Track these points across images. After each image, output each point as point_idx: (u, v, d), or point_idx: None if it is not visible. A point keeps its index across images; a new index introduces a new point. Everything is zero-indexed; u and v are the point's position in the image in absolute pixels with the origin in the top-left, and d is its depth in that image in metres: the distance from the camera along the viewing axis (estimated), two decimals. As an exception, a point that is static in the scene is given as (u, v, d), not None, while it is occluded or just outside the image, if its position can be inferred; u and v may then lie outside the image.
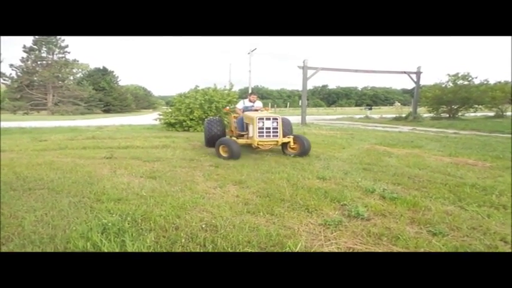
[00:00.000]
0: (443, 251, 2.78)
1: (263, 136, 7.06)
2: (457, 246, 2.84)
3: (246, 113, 8.27)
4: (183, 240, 2.96)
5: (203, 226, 3.29)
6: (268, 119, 7.06)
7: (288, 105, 66.67)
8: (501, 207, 3.84)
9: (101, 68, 60.60)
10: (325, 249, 2.81)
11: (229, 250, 2.78)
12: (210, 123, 8.97)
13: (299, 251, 2.74)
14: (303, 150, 7.35)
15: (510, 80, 25.09)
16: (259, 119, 7.01)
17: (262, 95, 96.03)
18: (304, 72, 13.08)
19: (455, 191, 4.48)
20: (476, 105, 23.65)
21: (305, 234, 3.13)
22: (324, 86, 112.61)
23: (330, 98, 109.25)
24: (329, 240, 3.02)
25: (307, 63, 13.16)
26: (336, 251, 2.80)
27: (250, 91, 47.24)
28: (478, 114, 24.62)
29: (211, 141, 8.37)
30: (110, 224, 3.20)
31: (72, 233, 3.07)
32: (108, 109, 55.89)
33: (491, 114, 24.30)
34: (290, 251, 2.76)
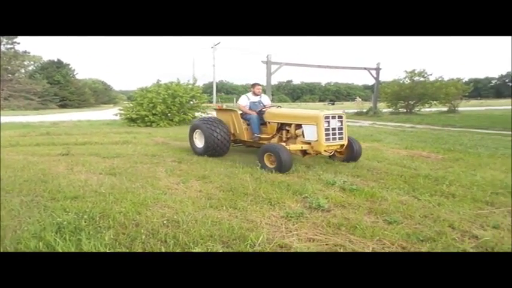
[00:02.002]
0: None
1: (330, 139, 5.51)
2: (410, 233, 2.99)
3: (292, 110, 6.82)
4: (143, 237, 2.89)
5: (164, 222, 3.23)
6: (333, 117, 5.58)
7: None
8: (450, 196, 4.08)
9: (56, 60, 57.57)
10: (286, 241, 2.86)
11: (191, 245, 2.75)
12: (209, 124, 6.77)
13: (298, 251, 2.72)
14: (352, 155, 6.04)
15: (463, 77, 26.66)
16: (326, 117, 5.49)
17: (227, 89, 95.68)
18: (268, 67, 13.17)
19: (410, 182, 4.71)
20: (432, 101, 24.92)
21: (267, 227, 3.17)
22: (289, 82, 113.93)
23: (294, 93, 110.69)
24: (290, 231, 3.08)
25: (271, 58, 13.25)
26: (297, 241, 2.86)
27: (214, 86, 46.88)
28: (433, 109, 25.95)
29: (212, 149, 6.62)
30: (65, 222, 3.07)
31: (23, 233, 2.91)
32: (64, 104, 53.30)
33: (445, 109, 25.71)
34: (253, 244, 2.79)
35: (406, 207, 3.66)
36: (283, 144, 5.71)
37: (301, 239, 2.93)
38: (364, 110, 24.71)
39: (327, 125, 5.46)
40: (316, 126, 5.47)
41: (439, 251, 2.69)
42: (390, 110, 25.68)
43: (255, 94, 7.18)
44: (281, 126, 6.40)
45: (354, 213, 3.51)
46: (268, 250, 2.72)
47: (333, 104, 36.53)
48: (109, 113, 22.13)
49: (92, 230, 3.02)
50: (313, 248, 2.76)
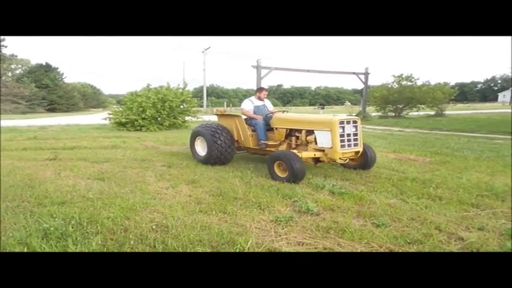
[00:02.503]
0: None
1: (345, 146, 5.16)
2: (397, 236, 3.03)
3: (303, 115, 6.41)
4: (131, 242, 2.88)
5: (153, 227, 3.22)
6: (348, 122, 5.24)
7: (244, 104, 66.71)
8: (437, 199, 4.14)
9: (44, 64, 56.84)
10: (275, 245, 2.87)
11: (180, 250, 2.74)
12: (212, 130, 6.36)
13: (296, 251, 2.75)
14: (366, 162, 5.73)
15: (450, 81, 27.12)
16: (341, 122, 5.15)
17: (218, 94, 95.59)
18: (258, 72, 13.22)
19: (398, 185, 4.77)
20: (419, 105, 25.28)
21: (256, 231, 3.18)
22: (279, 86, 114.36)
23: (284, 97, 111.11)
24: (279, 236, 3.09)
25: (261, 63, 13.31)
26: (286, 245, 2.87)
27: (204, 90, 46.70)
28: (421, 113, 26.32)
29: (216, 157, 6.22)
30: (52, 228, 3.04)
31: (8, 240, 2.87)
32: (53, 108, 52.64)
33: (432, 113, 26.10)
34: (242, 249, 2.79)
35: (394, 210, 3.70)
36: (295, 151, 5.28)
37: (291, 243, 2.94)
38: (354, 114, 24.95)
39: (341, 130, 5.12)
40: (331, 132, 5.11)
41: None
42: (379, 113, 25.97)
43: (259, 99, 6.85)
44: (290, 132, 6.03)
45: (342, 217, 3.54)
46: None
47: (323, 108, 36.63)
48: (98, 117, 21.92)
49: (79, 235, 2.99)
50: (302, 251, 2.77)
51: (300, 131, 5.79)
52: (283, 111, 6.77)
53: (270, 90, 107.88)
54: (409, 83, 24.75)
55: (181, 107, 16.40)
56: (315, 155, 5.35)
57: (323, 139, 5.27)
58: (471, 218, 3.51)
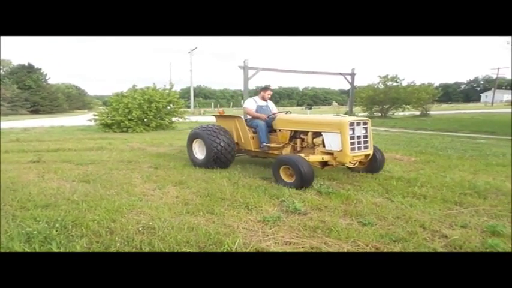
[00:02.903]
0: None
1: (355, 149, 4.90)
2: (383, 234, 3.07)
3: (310, 116, 6.21)
4: (118, 245, 2.84)
5: (140, 229, 3.18)
6: (358, 123, 4.96)
7: (232, 104, 66.74)
8: (422, 197, 4.21)
9: (26, 65, 55.62)
10: (263, 245, 2.87)
11: (167, 251, 2.72)
12: (210, 132, 6.06)
13: (284, 251, 2.74)
14: (375, 166, 5.49)
15: (434, 82, 27.66)
16: (351, 124, 4.87)
17: (205, 94, 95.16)
18: (245, 72, 13.17)
19: (384, 184, 4.83)
20: (405, 105, 25.69)
21: (244, 231, 3.18)
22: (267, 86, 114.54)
23: (272, 98, 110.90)
24: (267, 235, 3.10)
25: (248, 64, 13.29)
26: (273, 245, 2.88)
27: (191, 91, 46.35)
28: (407, 113, 26.74)
29: (215, 160, 5.93)
30: (35, 232, 2.97)
31: (-11, 244, 2.80)
32: (36, 110, 51.52)
33: (418, 113, 26.54)
34: (230, 249, 2.78)
35: (380, 209, 3.75)
36: (302, 155, 4.99)
37: (278, 243, 2.95)
38: (341, 115, 25.15)
39: (351, 132, 4.84)
40: (340, 134, 4.82)
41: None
42: (365, 114, 26.26)
43: (263, 99, 6.57)
44: (294, 135, 5.72)
45: (329, 216, 3.57)
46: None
47: (310, 109, 36.95)
48: (83, 119, 21.58)
49: (63, 239, 2.94)
50: (289, 251, 2.78)
51: (305, 133, 5.51)
52: (286, 112, 6.55)
53: (258, 90, 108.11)
54: (395, 84, 25.15)
55: (168, 107, 16.29)
56: (322, 158, 5.04)
57: (332, 141, 4.98)
58: (454, 215, 3.58)
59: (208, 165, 5.96)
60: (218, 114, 6.88)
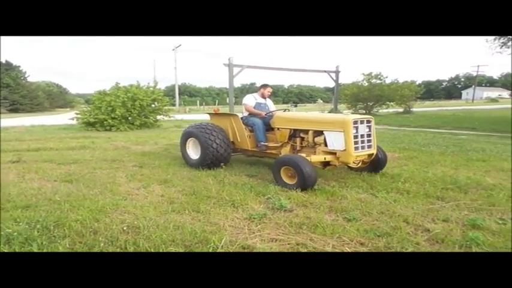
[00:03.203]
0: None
1: (358, 148, 4.72)
2: (368, 229, 3.11)
3: (310, 114, 5.95)
4: (101, 245, 2.80)
5: (124, 228, 3.14)
6: (362, 122, 4.78)
7: (217, 102, 66.46)
8: (405, 193, 4.28)
9: (4, 62, 54.06)
10: (249, 242, 2.87)
11: (152, 250, 2.70)
12: (205, 131, 5.82)
13: (294, 251, 2.73)
14: (377, 164, 5.33)
15: (416, 79, 28.17)
16: (355, 122, 4.69)
17: (190, 92, 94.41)
18: (230, 70, 13.12)
19: (368, 180, 4.89)
20: (388, 102, 26.07)
21: (230, 229, 3.17)
22: (252, 84, 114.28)
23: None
24: (253, 233, 3.10)
25: (233, 61, 13.23)
26: (259, 242, 2.88)
27: (176, 88, 45.92)
28: (390, 110, 27.13)
29: (211, 160, 5.70)
30: (15, 233, 2.90)
31: (-33, 247, 2.72)
32: (15, 108, 50.22)
33: (401, 110, 26.97)
34: (216, 247, 2.77)
35: (365, 205, 3.80)
36: (303, 155, 4.80)
37: (264, 240, 2.95)
38: (326, 112, 25.38)
39: (355, 131, 4.66)
40: (344, 133, 4.64)
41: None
42: (350, 111, 26.53)
43: (262, 96, 6.38)
44: (294, 133, 5.52)
45: (315, 212, 3.59)
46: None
47: (296, 106, 37.17)
48: (65, 117, 21.13)
49: (45, 240, 2.88)
50: (275, 247, 2.79)
51: (306, 131, 5.30)
52: (285, 110, 6.40)
53: (243, 88, 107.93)
54: (378, 81, 25.47)
55: (153, 106, 16.10)
56: (325, 158, 4.84)
57: (334, 141, 4.78)
58: (436, 210, 3.66)
59: (203, 165, 5.74)
60: (213, 112, 6.66)
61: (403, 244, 2.81)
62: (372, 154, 4.96)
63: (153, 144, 9.39)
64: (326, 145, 4.93)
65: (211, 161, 5.69)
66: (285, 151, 5.51)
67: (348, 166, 5.26)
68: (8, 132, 13.69)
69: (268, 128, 5.92)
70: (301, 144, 5.44)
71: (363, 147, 4.77)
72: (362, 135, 4.76)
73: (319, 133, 5.07)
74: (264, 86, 6.47)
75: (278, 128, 5.69)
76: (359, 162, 4.89)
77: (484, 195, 4.16)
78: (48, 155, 7.57)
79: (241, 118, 6.13)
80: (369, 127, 4.89)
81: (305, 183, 4.33)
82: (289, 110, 6.27)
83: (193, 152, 6.18)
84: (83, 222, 3.28)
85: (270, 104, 6.51)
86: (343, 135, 4.66)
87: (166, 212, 3.63)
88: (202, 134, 5.78)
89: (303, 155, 4.80)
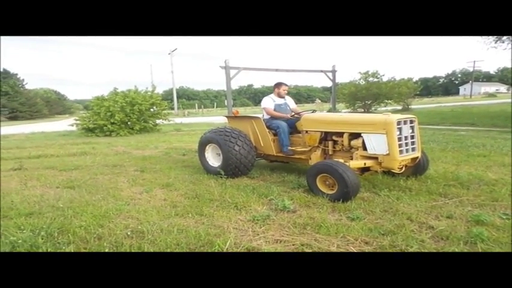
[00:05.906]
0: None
1: (403, 152, 4.23)
2: (372, 228, 3.11)
3: (345, 115, 5.49)
4: (106, 250, 2.80)
5: (128, 233, 3.14)
6: (405, 122, 4.30)
7: (216, 105, 66.46)
8: (407, 190, 4.28)
9: (1, 70, 54.01)
10: (253, 244, 2.87)
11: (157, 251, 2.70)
12: (226, 135, 5.33)
13: (294, 251, 2.74)
14: (418, 169, 4.81)
15: (413, 77, 28.21)
16: (398, 123, 4.20)
17: (188, 95, 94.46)
18: (227, 72, 13.10)
19: (370, 179, 4.89)
20: (387, 100, 26.11)
21: (234, 231, 3.17)
22: (250, 86, 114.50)
23: (256, 97, 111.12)
24: (257, 234, 3.10)
25: (229, 63, 13.23)
26: (264, 244, 2.88)
27: (174, 92, 45.85)
28: (389, 108, 27.16)
29: (234, 167, 5.21)
30: (19, 241, 2.90)
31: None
32: (14, 116, 50.15)
33: (399, 107, 27.00)
34: (221, 250, 2.77)
35: (368, 203, 3.80)
36: (341, 160, 4.30)
37: (269, 241, 2.95)
38: (325, 111, 25.36)
39: (398, 133, 4.19)
40: (386, 135, 4.15)
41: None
42: (349, 110, 26.56)
43: (279, 96, 5.82)
44: (325, 136, 4.98)
45: (318, 213, 3.60)
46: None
47: (295, 106, 36.99)
48: (65, 124, 21.12)
49: (50, 246, 2.88)
50: (280, 249, 2.80)
51: (340, 134, 4.77)
52: (312, 111, 5.78)
53: (241, 90, 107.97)
54: (375, 80, 25.52)
55: (152, 110, 16.12)
56: (365, 164, 4.38)
57: (376, 144, 4.28)
58: (440, 207, 3.67)
59: (227, 173, 5.24)
60: (232, 115, 6.16)
61: (408, 242, 2.81)
62: (416, 158, 4.48)
63: (153, 149, 9.40)
64: (365, 149, 4.45)
65: (235, 165, 5.21)
66: (315, 156, 5.03)
67: (394, 173, 4.58)
68: (8, 140, 13.68)
69: (293, 130, 5.49)
70: (334, 148, 4.95)
71: (407, 151, 4.31)
72: (406, 137, 4.30)
73: (356, 136, 4.57)
74: (278, 84, 5.88)
75: (306, 131, 5.14)
76: (403, 167, 4.40)
77: (487, 190, 4.16)
78: (49, 161, 7.57)
79: (264, 120, 5.65)
80: (412, 128, 4.43)
81: (347, 193, 3.88)
82: (315, 111, 5.83)
83: (214, 158, 5.75)
84: (87, 228, 3.28)
85: (291, 103, 5.99)
86: (385, 138, 4.19)
87: (169, 216, 3.63)
88: (222, 139, 5.31)
89: (341, 160, 4.32)
